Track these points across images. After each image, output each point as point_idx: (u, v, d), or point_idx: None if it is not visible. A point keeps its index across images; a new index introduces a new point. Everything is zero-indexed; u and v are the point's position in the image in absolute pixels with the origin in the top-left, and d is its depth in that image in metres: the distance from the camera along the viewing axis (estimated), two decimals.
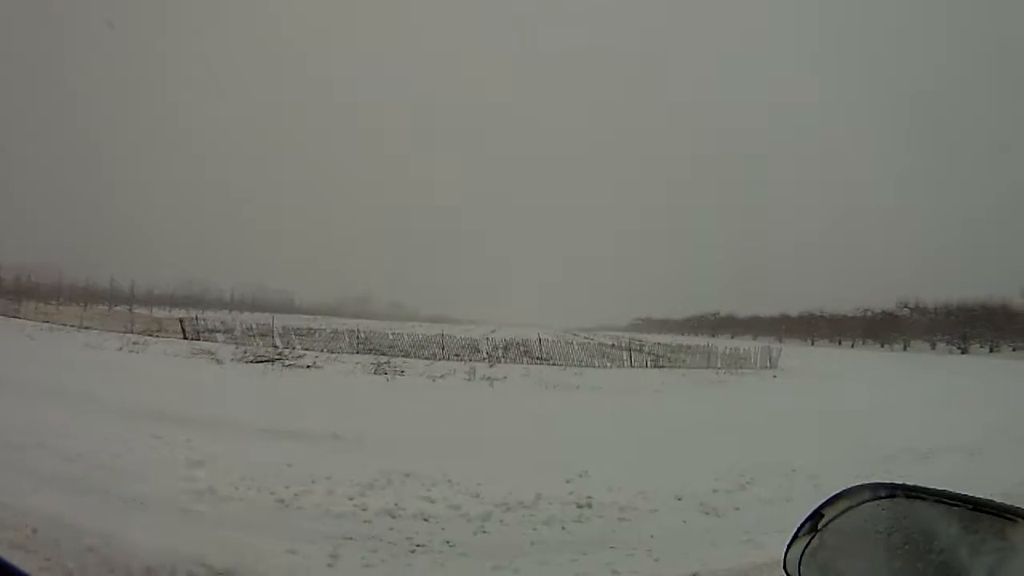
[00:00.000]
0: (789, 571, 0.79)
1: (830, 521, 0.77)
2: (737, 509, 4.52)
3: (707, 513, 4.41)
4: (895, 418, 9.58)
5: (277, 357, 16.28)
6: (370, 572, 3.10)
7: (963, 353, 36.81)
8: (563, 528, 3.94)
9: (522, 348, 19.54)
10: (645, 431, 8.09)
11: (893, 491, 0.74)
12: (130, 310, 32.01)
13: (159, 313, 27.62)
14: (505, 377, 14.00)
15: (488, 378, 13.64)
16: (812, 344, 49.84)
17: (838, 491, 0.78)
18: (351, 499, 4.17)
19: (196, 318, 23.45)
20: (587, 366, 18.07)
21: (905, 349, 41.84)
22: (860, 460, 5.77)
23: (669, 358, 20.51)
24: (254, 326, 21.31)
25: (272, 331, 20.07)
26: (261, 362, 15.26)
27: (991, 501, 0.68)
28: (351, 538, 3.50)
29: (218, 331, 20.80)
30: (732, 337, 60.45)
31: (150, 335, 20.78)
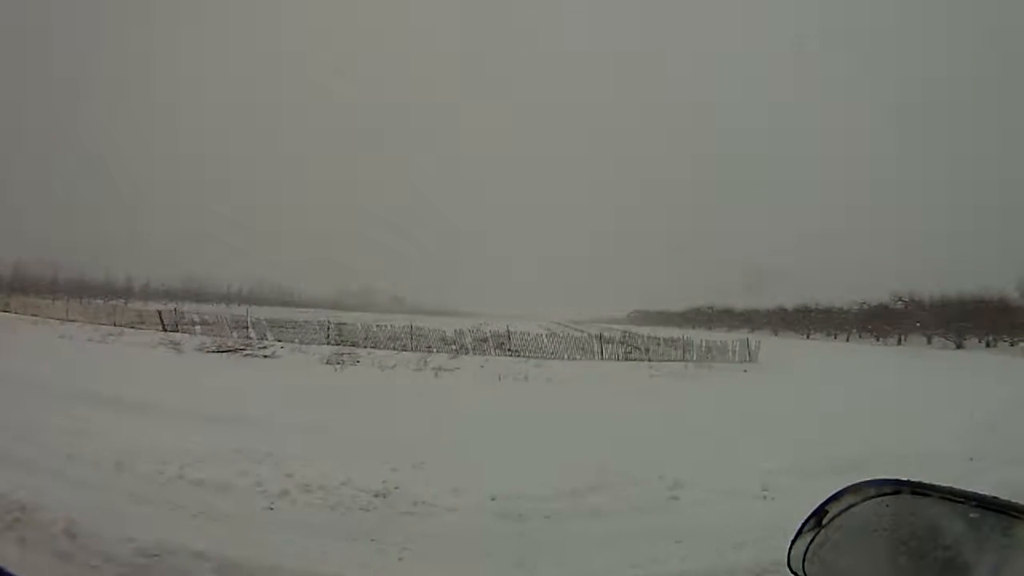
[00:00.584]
0: (794, 567, 0.79)
1: (835, 517, 0.77)
2: (547, 518, 4.05)
3: (505, 518, 4.04)
4: (857, 417, 8.55)
5: (239, 347, 16.77)
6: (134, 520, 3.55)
7: (958, 348, 36.58)
8: (343, 512, 4.05)
9: (499, 341, 19.56)
10: (534, 427, 7.45)
11: (898, 487, 0.75)
12: (125, 304, 32.03)
13: (153, 307, 27.84)
14: (458, 368, 14.30)
15: (440, 368, 14.00)
16: (807, 338, 49.93)
17: (842, 487, 0.79)
18: (181, 468, 4.69)
19: (175, 310, 24.06)
20: (556, 358, 18.12)
21: (900, 343, 41.67)
22: (749, 469, 5.07)
23: (646, 350, 20.27)
24: (232, 318, 21.71)
25: (248, 323, 20.49)
26: (222, 352, 15.88)
27: (996, 498, 0.68)
28: (150, 501, 3.99)
29: (197, 323, 21.30)
30: (729, 330, 60.64)
31: (131, 327, 21.37)
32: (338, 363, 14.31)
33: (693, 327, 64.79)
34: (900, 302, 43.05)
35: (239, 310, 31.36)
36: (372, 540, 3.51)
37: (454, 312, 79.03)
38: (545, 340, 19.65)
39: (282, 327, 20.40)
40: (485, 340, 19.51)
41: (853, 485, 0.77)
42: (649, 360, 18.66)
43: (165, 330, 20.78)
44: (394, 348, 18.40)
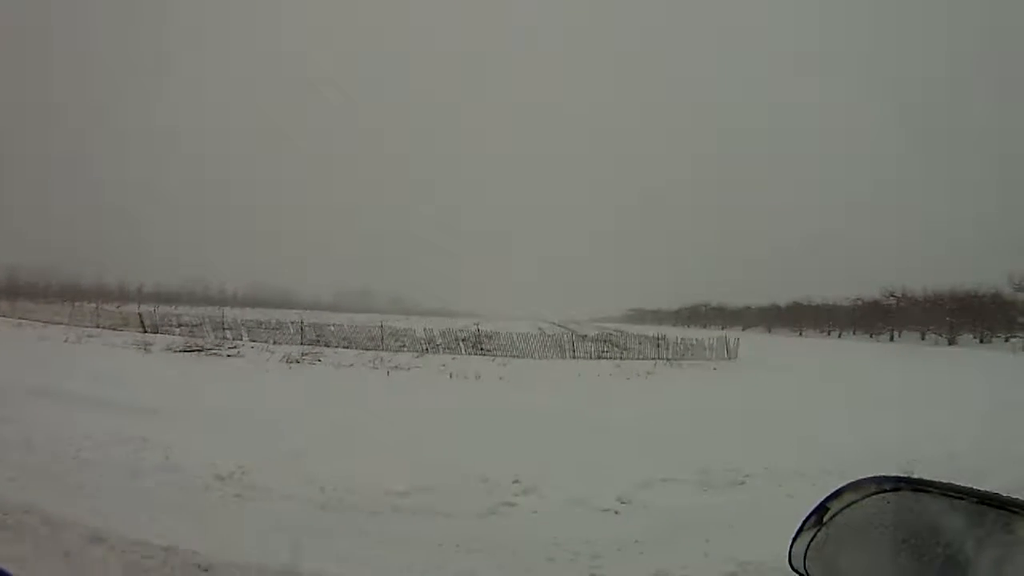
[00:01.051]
0: (795, 565, 0.79)
1: (835, 514, 0.77)
2: (371, 514, 4.00)
3: (322, 507, 4.13)
4: (798, 422, 8.01)
5: (206, 347, 17.53)
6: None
7: (950, 344, 35.80)
8: (191, 490, 4.37)
9: (474, 340, 19.91)
10: (432, 424, 7.32)
11: (898, 484, 0.74)
12: (118, 307, 32.22)
13: (146, 310, 28.34)
14: (417, 367, 14.68)
15: (397, 367, 14.41)
16: (800, 335, 49.84)
17: (843, 484, 0.78)
18: (78, 450, 5.20)
19: (155, 312, 25.13)
20: (527, 357, 18.33)
21: (892, 340, 41.38)
22: (619, 478, 4.75)
23: (624, 348, 20.39)
24: (215, 320, 22.31)
25: (225, 325, 21.41)
26: (189, 351, 16.54)
27: (997, 494, 0.68)
28: (41, 474, 4.49)
29: (178, 325, 22.08)
30: (723, 328, 60.90)
31: (113, 329, 22.09)
32: (296, 361, 14.94)
33: (688, 325, 65.17)
34: (892, 298, 42.57)
35: (231, 312, 31.94)
36: (204, 515, 3.86)
37: (452, 313, 79.02)
38: (522, 340, 19.90)
39: (260, 328, 20.99)
40: (463, 340, 19.80)
41: (853, 482, 0.77)
42: (620, 358, 18.72)
43: (145, 331, 21.33)
44: (365, 348, 18.79)
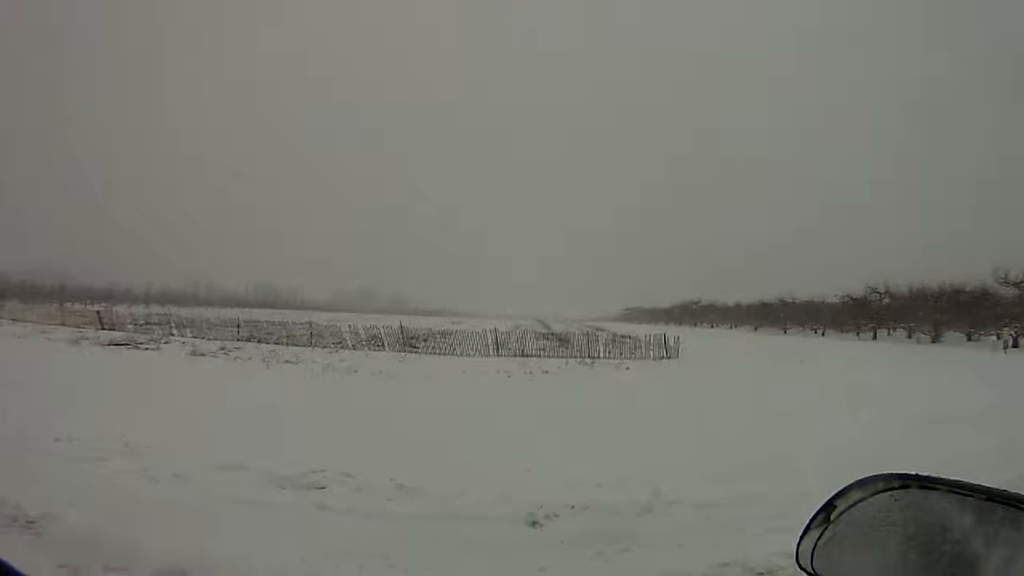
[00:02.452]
0: (802, 563, 0.78)
1: (842, 512, 0.77)
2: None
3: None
4: (641, 431, 7.31)
5: (134, 342, 19.02)
6: None
7: (934, 342, 34.41)
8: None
9: (408, 337, 20.52)
10: (233, 417, 7.34)
11: (906, 481, 0.74)
12: (108, 307, 32.99)
13: (136, 310, 30.22)
14: (313, 361, 15.40)
15: (287, 361, 15.34)
16: (785, 332, 49.44)
17: (850, 482, 0.78)
18: None
19: (111, 310, 27.34)
20: (450, 355, 18.91)
21: (875, 337, 40.51)
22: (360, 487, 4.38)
23: (569, 345, 20.27)
24: (167, 318, 24.15)
25: (170, 322, 23.36)
26: (116, 345, 18.08)
27: (1005, 491, 0.68)
28: None
29: (131, 323, 23.97)
30: (712, 326, 61.39)
31: (74, 327, 23.90)
32: (201, 355, 16.17)
33: (680, 323, 65.45)
34: (876, 294, 41.75)
35: (211, 312, 33.21)
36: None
37: (461, 313, 78.74)
38: (460, 337, 20.29)
39: (207, 326, 22.30)
40: (387, 336, 20.42)
41: (860, 480, 0.77)
42: (539, 356, 18.84)
43: (103, 328, 23.29)
44: (312, 346, 19.75)
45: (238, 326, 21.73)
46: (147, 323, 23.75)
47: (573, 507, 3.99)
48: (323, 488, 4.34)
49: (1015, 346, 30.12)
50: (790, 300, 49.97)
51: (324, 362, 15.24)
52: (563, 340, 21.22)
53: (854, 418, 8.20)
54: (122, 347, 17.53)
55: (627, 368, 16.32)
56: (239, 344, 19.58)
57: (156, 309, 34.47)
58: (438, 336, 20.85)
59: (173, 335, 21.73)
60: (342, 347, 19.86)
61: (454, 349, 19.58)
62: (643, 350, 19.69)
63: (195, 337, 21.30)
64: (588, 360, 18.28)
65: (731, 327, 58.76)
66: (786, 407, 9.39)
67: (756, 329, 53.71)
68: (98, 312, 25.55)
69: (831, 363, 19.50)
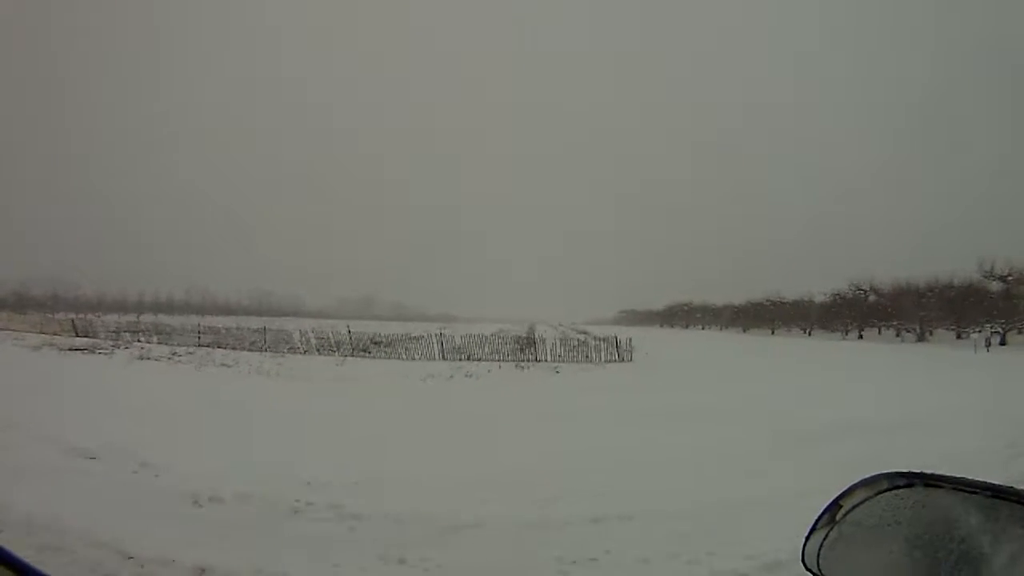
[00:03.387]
0: (808, 564, 0.78)
1: (848, 512, 0.76)
2: None
3: None
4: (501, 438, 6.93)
5: (94, 348, 19.78)
6: None
7: (919, 341, 32.74)
8: None
9: (357, 343, 21.16)
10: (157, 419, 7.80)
11: (911, 480, 0.74)
12: (99, 317, 34.37)
13: (121, 319, 31.73)
14: (248, 364, 16.25)
15: (221, 364, 16.09)
16: (773, 333, 47.87)
17: (856, 481, 0.77)
18: None
19: (87, 318, 28.93)
20: (396, 358, 19.34)
21: (861, 337, 38.99)
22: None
23: (535, 351, 19.93)
24: (136, 326, 25.55)
25: (140, 329, 24.87)
26: (75, 350, 18.86)
27: (1012, 488, 0.68)
28: None
29: (104, 330, 25.09)
30: (703, 328, 61.56)
31: (48, 333, 25.30)
32: (147, 359, 17.00)
33: (672, 325, 65.66)
34: (860, 292, 39.51)
35: (195, 320, 33.98)
36: None
37: (457, 318, 78.62)
38: (414, 342, 20.75)
39: (174, 333, 23.31)
40: (338, 342, 21.07)
41: (866, 479, 0.76)
42: (479, 360, 18.93)
43: (77, 335, 24.54)
44: (247, 349, 20.81)
45: (199, 333, 22.80)
46: (120, 331, 24.81)
47: (237, 494, 4.47)
48: (93, 459, 5.46)
49: (1002, 343, 28.30)
50: (778, 300, 48.70)
51: (257, 365, 16.02)
52: (525, 344, 20.98)
53: (709, 433, 7.19)
54: (79, 352, 18.48)
55: (557, 372, 16.28)
56: (193, 350, 20.34)
57: (144, 318, 34.80)
58: (397, 341, 21.51)
59: (139, 342, 22.73)
60: (294, 352, 20.48)
61: (401, 354, 19.96)
62: (594, 354, 19.47)
63: (160, 343, 22.17)
64: (524, 364, 18.19)
65: (720, 329, 58.55)
66: (655, 416, 8.35)
67: (745, 330, 52.12)
68: (73, 320, 26.94)
69: (788, 366, 18.70)
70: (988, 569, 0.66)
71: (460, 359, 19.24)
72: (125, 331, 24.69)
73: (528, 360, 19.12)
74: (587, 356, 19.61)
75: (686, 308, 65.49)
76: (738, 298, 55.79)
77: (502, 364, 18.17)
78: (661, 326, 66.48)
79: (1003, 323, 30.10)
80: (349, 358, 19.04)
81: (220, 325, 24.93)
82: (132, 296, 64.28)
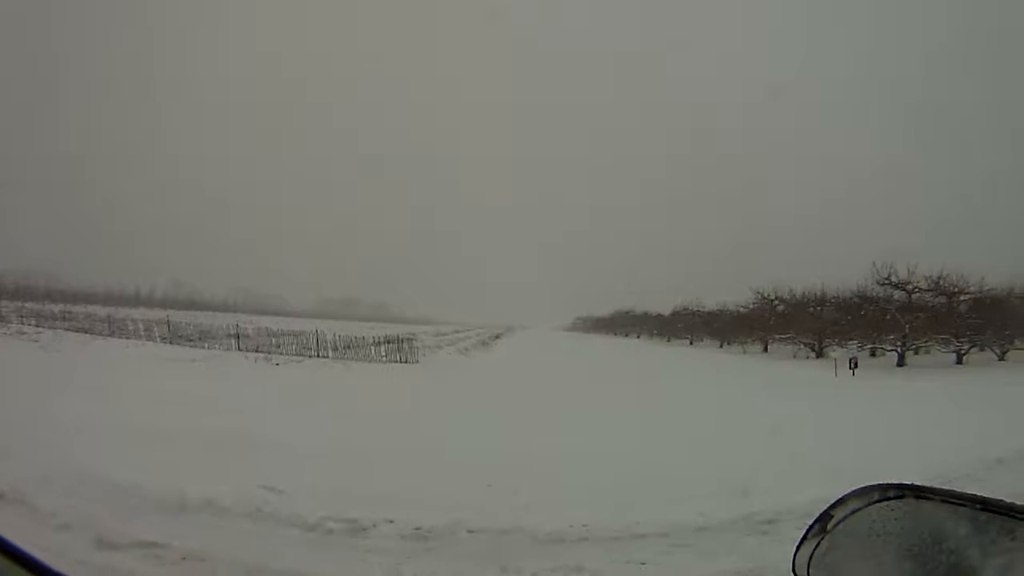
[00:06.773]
0: (798, 573, 0.73)
1: (839, 522, 0.72)
2: None
3: None
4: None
5: (21, 332, 20.35)
6: None
7: (818, 357, 25.28)
8: None
9: (259, 336, 20.66)
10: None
11: (902, 491, 0.71)
12: (86, 310, 30.81)
13: (75, 308, 29.67)
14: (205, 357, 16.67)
15: (161, 359, 16.13)
16: (691, 344, 41.55)
17: (847, 492, 0.73)
18: None
19: (48, 310, 27.82)
20: (278, 353, 18.57)
21: (766, 351, 31.81)
22: None
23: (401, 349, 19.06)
24: (93, 316, 24.75)
25: (95, 319, 24.23)
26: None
27: (1001, 501, 0.66)
28: None
29: (65, 320, 24.51)
30: (638, 336, 61.32)
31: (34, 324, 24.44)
32: (35, 342, 17.96)
33: (616, 333, 65.23)
34: (764, 301, 33.37)
35: (149, 314, 31.35)
36: None
37: (434, 321, 76.11)
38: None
39: (123, 323, 23.06)
40: (237, 336, 20.72)
41: (857, 489, 0.73)
42: (324, 358, 18.07)
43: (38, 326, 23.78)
44: (153, 340, 20.82)
45: (154, 327, 22.62)
46: (64, 318, 24.33)
47: None
48: None
49: (900, 364, 21.46)
50: (696, 310, 44.17)
51: (161, 354, 16.65)
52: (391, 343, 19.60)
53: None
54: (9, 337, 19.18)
55: (276, 365, 16.15)
56: (133, 341, 20.53)
57: (97, 309, 32.10)
58: (291, 336, 20.01)
59: (111, 332, 22.19)
60: (194, 345, 20.29)
61: (282, 349, 19.11)
62: (375, 353, 18.74)
63: (126, 337, 21.75)
64: (340, 360, 17.51)
65: (637, 336, 55.91)
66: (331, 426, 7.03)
67: (669, 340, 47.66)
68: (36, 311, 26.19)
69: (622, 376, 16.67)
70: None
71: (313, 356, 17.95)
72: (61, 319, 23.91)
73: (349, 359, 17.88)
74: (367, 356, 18.37)
75: (627, 316, 64.98)
76: (662, 307, 51.01)
77: (306, 359, 17.32)
78: (606, 333, 65.91)
79: (895, 339, 23.42)
80: (230, 352, 18.73)
81: (190, 321, 23.55)
82: (114, 289, 57.74)
